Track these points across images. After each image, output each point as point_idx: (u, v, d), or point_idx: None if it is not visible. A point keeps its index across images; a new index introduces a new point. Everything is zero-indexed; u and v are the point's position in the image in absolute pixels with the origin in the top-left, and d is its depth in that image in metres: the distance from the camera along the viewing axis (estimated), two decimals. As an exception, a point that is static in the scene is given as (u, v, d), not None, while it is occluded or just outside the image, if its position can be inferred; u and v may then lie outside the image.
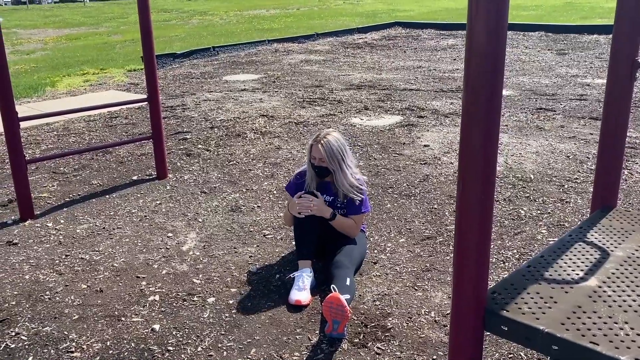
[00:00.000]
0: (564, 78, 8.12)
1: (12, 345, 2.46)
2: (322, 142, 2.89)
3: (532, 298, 1.56)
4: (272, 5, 24.57)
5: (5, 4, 34.96)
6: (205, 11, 23.13)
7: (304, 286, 2.76)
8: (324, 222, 2.96)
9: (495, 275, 2.94)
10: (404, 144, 5.24)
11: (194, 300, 2.78)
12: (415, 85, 7.94)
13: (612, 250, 1.83)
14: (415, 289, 2.83)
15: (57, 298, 2.82)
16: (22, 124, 3.74)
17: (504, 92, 7.25)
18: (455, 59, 10.15)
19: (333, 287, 2.58)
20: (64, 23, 20.34)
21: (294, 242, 3.15)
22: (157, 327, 2.57)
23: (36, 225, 3.69)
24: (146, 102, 4.47)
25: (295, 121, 6.10)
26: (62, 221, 3.75)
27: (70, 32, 17.31)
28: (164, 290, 2.88)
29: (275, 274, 3.01)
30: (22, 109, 4.11)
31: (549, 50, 10.84)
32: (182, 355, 2.37)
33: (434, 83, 8.09)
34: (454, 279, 1.54)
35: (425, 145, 5.16)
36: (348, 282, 2.67)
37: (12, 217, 3.81)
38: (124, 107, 6.83)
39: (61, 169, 4.79)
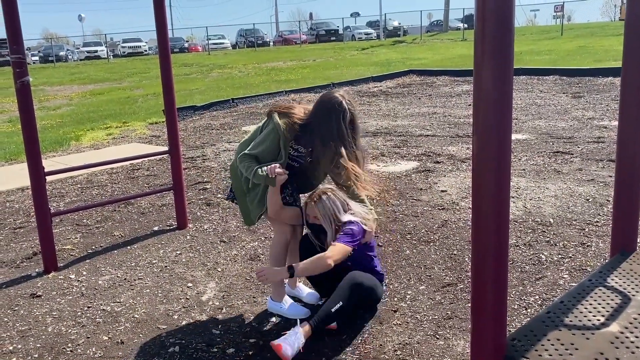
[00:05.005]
0: (580, 121, 8.13)
1: (34, 399, 2.47)
2: (315, 201, 2.91)
3: (552, 345, 1.54)
4: (289, 57, 25.23)
5: (34, 63, 36.45)
6: (224, 64, 23.83)
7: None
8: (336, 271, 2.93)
9: (517, 322, 2.89)
10: (421, 189, 5.26)
11: (213, 352, 2.78)
12: (430, 131, 8.01)
13: (633, 295, 1.81)
14: (437, 338, 2.80)
15: (79, 350, 2.84)
16: (48, 178, 3.85)
17: (521, 137, 7.27)
18: (470, 105, 10.24)
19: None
20: (88, 79, 21.09)
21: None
22: (177, 378, 2.56)
23: (59, 277, 3.75)
24: (167, 154, 4.59)
25: (313, 169, 6.17)
26: (84, 273, 3.80)
27: (95, 87, 17.93)
28: (183, 341, 2.88)
29: (294, 324, 3.00)
30: (47, 163, 4.25)
31: (564, 93, 10.90)
32: (202, 408, 2.35)
33: (450, 129, 8.16)
34: (472, 327, 1.54)
35: (442, 191, 5.17)
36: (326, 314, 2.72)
37: (37, 270, 3.87)
38: (145, 159, 6.99)
39: (84, 220, 4.89)
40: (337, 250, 2.78)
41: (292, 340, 2.66)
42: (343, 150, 2.84)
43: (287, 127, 2.85)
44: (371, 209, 3.00)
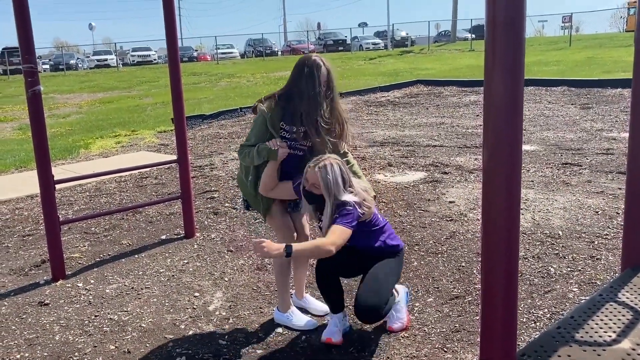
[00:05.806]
0: (589, 132, 8.10)
1: (41, 408, 2.46)
2: (319, 167, 2.64)
3: (563, 361, 1.53)
4: (297, 66, 25.27)
5: (45, 71, 36.79)
6: (233, 74, 23.95)
7: (337, 329, 2.87)
8: (347, 259, 2.79)
9: (526, 335, 2.86)
10: (429, 200, 5.24)
11: (220, 362, 2.76)
12: (438, 142, 8.00)
13: (645, 311, 1.79)
14: (445, 351, 2.77)
15: (86, 359, 2.84)
16: (57, 186, 3.87)
17: (529, 148, 7.24)
18: (478, 115, 10.23)
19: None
20: (98, 87, 21.25)
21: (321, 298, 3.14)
22: (183, 389, 2.55)
23: (67, 285, 3.76)
24: (176, 163, 4.60)
25: (321, 179, 6.17)
26: (92, 281, 3.81)
27: (104, 96, 18.05)
28: (190, 351, 2.88)
29: (301, 335, 2.99)
30: (56, 171, 4.27)
31: (572, 104, 10.86)
32: (208, 419, 2.34)
33: (457, 139, 8.14)
34: (481, 340, 1.52)
35: (450, 202, 5.15)
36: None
37: (45, 278, 3.88)
38: (154, 167, 7.02)
39: (92, 229, 4.91)
40: (337, 235, 2.54)
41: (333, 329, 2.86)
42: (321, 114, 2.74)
43: (270, 106, 2.83)
44: (370, 187, 2.88)
